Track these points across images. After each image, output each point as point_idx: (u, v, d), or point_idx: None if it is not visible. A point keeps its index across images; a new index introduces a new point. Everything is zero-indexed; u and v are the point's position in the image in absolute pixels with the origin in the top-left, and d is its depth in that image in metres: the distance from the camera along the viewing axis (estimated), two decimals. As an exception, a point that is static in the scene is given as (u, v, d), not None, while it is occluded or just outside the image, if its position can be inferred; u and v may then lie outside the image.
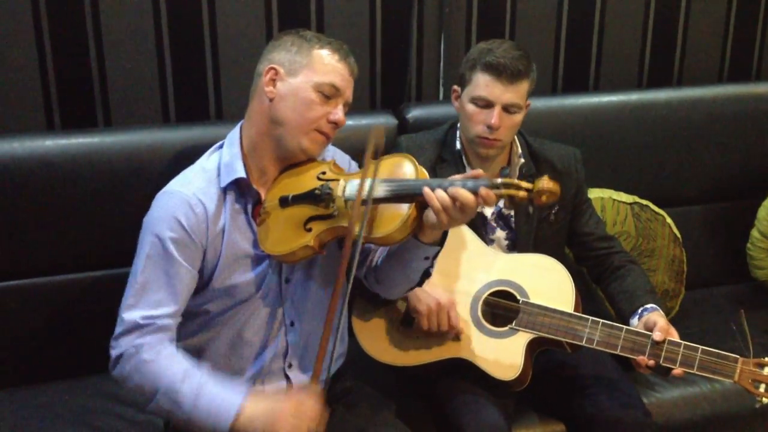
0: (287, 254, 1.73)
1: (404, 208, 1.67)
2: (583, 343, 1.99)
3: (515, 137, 2.18)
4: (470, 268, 2.11)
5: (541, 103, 2.66)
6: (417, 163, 1.73)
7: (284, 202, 1.76)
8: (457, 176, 1.70)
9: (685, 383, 2.33)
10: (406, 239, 1.71)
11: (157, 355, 1.67)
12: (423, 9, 2.66)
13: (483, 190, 1.63)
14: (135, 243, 1.76)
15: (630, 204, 2.63)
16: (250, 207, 1.79)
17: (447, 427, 2.01)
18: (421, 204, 1.67)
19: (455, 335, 2.04)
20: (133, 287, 1.72)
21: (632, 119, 2.74)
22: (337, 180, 1.74)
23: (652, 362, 1.95)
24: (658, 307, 2.08)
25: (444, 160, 2.19)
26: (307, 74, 1.76)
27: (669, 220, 2.67)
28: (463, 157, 2.18)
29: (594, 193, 2.61)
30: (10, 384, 2.23)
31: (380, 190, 1.68)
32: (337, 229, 1.72)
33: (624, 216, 2.61)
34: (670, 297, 2.67)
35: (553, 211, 2.21)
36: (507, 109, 2.05)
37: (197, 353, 1.82)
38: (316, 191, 1.73)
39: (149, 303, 1.70)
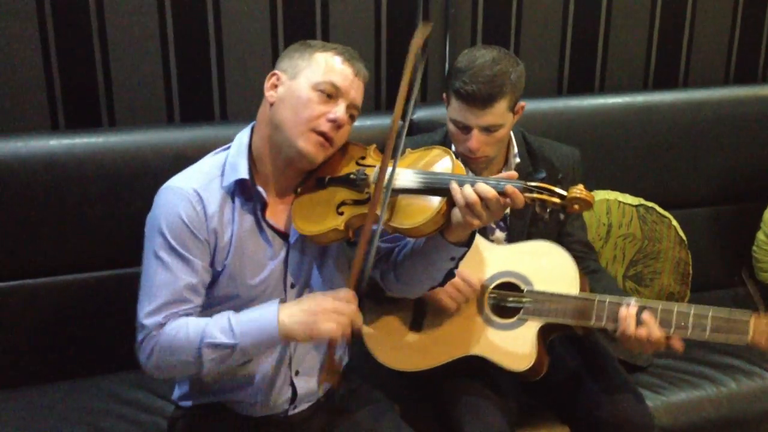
0: (317, 235, 1.72)
1: (435, 202, 1.65)
2: (593, 323, 1.96)
3: (511, 135, 2.15)
4: (473, 264, 2.09)
5: (546, 105, 2.66)
6: (455, 158, 1.71)
7: (320, 182, 1.75)
8: (493, 177, 1.68)
9: (690, 387, 2.33)
10: (433, 233, 1.69)
11: (178, 325, 1.66)
12: (428, 10, 2.65)
13: (509, 188, 1.61)
14: (139, 243, 1.75)
15: (635, 206, 2.62)
16: (259, 211, 1.76)
17: (451, 430, 2.00)
18: (451, 200, 1.64)
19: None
20: (148, 290, 1.69)
21: (638, 121, 2.73)
22: (374, 166, 1.73)
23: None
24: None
25: None
26: (306, 75, 1.72)
27: (675, 222, 2.66)
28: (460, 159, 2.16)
29: (599, 195, 2.60)
30: (14, 384, 2.22)
31: (412, 181, 1.67)
32: (367, 215, 1.69)
33: (629, 218, 2.61)
34: (676, 300, 2.66)
35: (548, 210, 2.19)
36: (486, 129, 1.98)
37: None
38: (351, 175, 1.73)
39: (168, 303, 1.67)
